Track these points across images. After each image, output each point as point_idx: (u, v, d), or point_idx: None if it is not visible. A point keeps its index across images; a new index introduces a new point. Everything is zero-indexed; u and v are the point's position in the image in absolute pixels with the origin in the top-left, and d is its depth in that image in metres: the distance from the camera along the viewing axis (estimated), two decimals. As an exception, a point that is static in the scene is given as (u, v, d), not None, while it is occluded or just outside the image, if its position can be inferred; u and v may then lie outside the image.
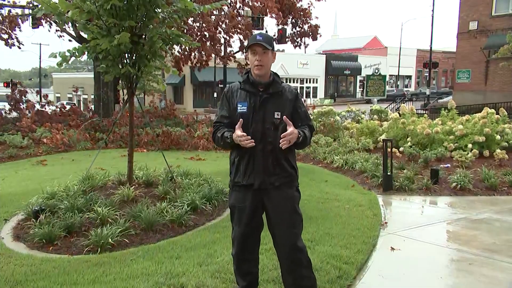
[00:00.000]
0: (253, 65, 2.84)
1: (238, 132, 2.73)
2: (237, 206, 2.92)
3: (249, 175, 2.84)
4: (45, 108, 17.33)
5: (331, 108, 12.92)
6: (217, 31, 17.62)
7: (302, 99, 3.49)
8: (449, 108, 10.36)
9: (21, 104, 16.55)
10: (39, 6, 5.10)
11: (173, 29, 5.77)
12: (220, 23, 17.89)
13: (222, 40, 18.54)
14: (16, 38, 18.90)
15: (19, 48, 19.40)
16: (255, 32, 17.82)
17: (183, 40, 5.82)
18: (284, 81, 3.10)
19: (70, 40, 18.68)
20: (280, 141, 2.71)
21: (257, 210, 2.91)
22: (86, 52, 5.47)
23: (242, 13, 18.67)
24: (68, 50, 5.41)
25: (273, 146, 2.80)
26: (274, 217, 2.88)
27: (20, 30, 18.32)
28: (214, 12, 17.95)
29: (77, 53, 5.43)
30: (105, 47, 5.13)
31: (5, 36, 18.38)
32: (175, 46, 7.91)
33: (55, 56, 5.31)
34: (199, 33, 16.36)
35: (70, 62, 5.59)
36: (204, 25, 16.60)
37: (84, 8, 5.07)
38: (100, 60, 5.54)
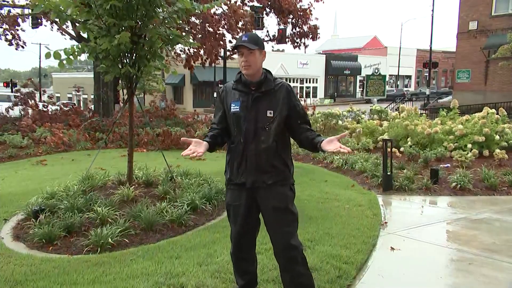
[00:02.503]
0: (241, 66, 2.85)
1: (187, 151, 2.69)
2: (232, 205, 2.94)
3: (242, 174, 2.85)
4: (47, 108, 17.35)
5: (335, 111, 12.98)
6: (220, 25, 17.57)
7: (302, 99, 3.49)
8: (452, 107, 10.34)
9: (29, 103, 16.69)
10: (37, 3, 5.07)
11: (173, 29, 5.76)
12: (223, 21, 17.85)
13: (227, 35, 18.49)
14: (18, 37, 18.91)
15: (23, 47, 19.38)
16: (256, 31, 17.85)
17: (183, 40, 5.81)
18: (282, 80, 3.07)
19: (72, 39, 18.59)
20: (341, 147, 2.60)
21: (251, 209, 2.91)
22: (86, 52, 5.46)
23: (243, 12, 18.63)
24: (68, 51, 5.39)
25: (266, 145, 2.80)
26: (267, 216, 2.89)
27: (23, 30, 18.30)
28: (217, 12, 17.92)
29: (76, 53, 5.42)
30: (105, 47, 5.12)
31: (9, 37, 18.41)
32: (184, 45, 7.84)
33: (49, 56, 5.26)
34: (199, 29, 16.27)
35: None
36: (206, 23, 16.57)
37: (83, 9, 5.06)
38: (100, 60, 5.53)
